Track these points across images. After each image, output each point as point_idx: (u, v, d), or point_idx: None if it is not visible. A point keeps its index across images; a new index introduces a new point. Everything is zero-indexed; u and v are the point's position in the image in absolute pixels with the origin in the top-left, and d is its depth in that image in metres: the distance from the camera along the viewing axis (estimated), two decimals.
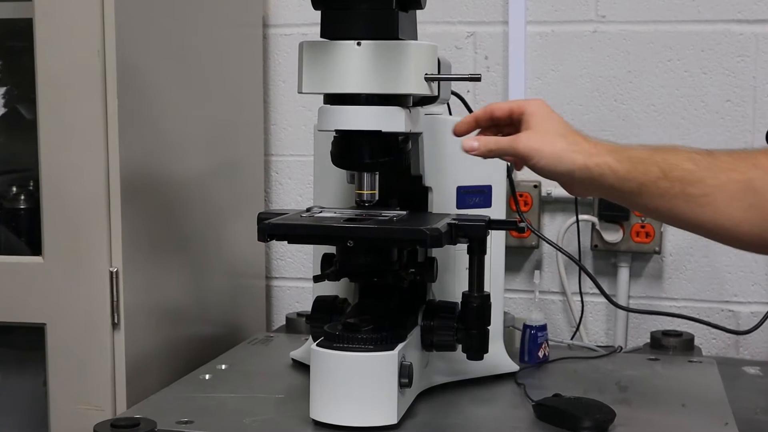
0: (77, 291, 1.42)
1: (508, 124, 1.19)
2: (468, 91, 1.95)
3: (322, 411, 1.23)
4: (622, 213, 1.87)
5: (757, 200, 1.00)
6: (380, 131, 1.24)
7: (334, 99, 1.25)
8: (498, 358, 1.48)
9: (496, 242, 1.46)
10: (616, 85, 1.91)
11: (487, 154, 1.15)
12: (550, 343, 1.59)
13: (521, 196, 1.91)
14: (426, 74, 1.25)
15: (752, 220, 1.01)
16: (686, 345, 1.72)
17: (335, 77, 1.22)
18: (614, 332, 1.95)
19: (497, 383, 1.44)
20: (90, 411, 1.41)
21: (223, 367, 1.50)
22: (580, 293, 1.93)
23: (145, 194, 1.50)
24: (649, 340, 1.77)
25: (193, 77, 1.66)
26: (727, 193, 1.01)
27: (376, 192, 1.30)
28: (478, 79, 1.25)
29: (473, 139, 1.16)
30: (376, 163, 1.27)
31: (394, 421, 1.22)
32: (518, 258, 1.99)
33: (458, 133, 1.21)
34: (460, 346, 1.32)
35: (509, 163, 1.42)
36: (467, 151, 1.16)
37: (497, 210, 1.46)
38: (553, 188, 1.93)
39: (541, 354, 1.56)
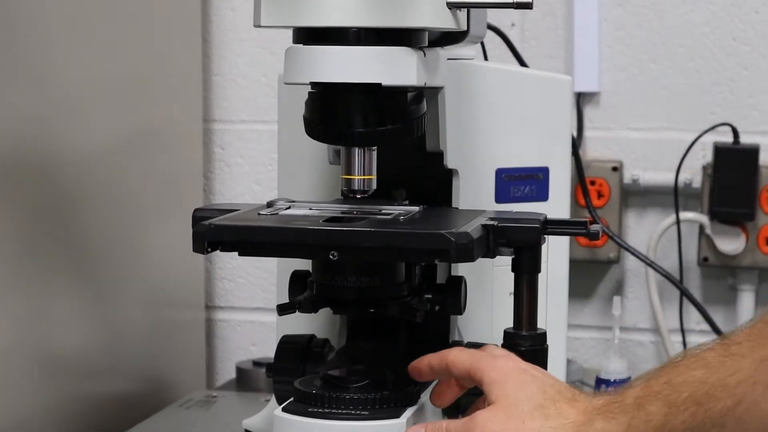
0: None
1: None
2: (513, 25, 1.95)
3: None
4: (746, 209, 1.88)
5: None
6: (380, 85, 1.24)
7: (309, 36, 1.25)
8: None
9: (556, 254, 1.46)
10: (735, 17, 1.91)
11: None
12: None
13: (593, 183, 1.92)
14: None
15: None
16: None
17: (310, 3, 1.22)
18: None
19: None
20: None
21: None
22: (682, 331, 1.94)
23: (23, 182, 1.50)
24: None
25: (96, 2, 1.67)
26: (761, 385, 1.05)
27: (374, 178, 1.30)
28: (529, 6, 1.25)
29: (419, 426, 1.21)
30: (374, 134, 1.27)
31: None
32: (589, 278, 1.99)
33: (413, 375, 1.28)
34: None
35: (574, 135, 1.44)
36: None
37: (558, 205, 1.47)
38: (642, 171, 1.94)
39: None
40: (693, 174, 1.92)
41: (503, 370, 1.19)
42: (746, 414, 1.03)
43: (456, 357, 1.23)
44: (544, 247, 1.29)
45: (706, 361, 1.08)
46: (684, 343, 1.93)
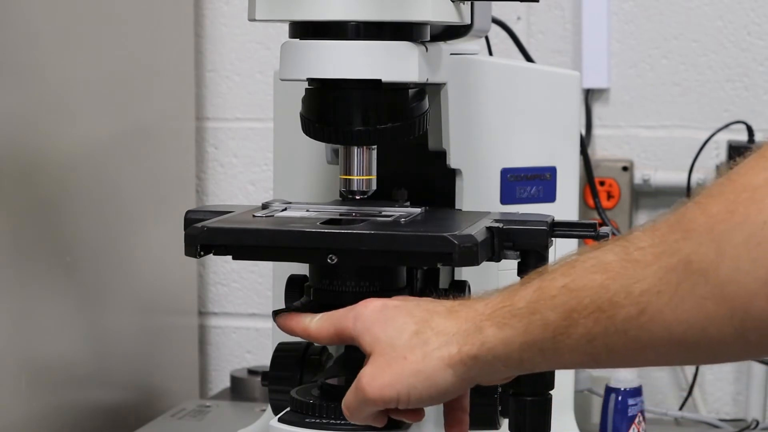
0: None
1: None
2: (519, 19, 1.95)
3: None
4: None
5: (708, 288, 1.02)
6: (380, 81, 1.24)
7: (306, 30, 1.26)
8: None
9: None
10: (750, 10, 1.91)
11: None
12: (647, 415, 1.60)
13: (603, 183, 1.92)
14: None
15: (716, 317, 0.99)
16: None
17: None
18: (747, 397, 1.95)
19: None
20: None
21: None
22: None
23: (8, 183, 1.50)
24: None
25: None
26: (667, 294, 1.01)
27: (374, 178, 1.31)
28: None
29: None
30: (374, 132, 1.27)
31: None
32: None
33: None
34: (506, 422, 1.31)
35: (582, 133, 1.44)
36: None
37: (565, 206, 1.47)
38: (653, 171, 1.94)
39: None
40: (706, 174, 1.91)
41: (364, 317, 1.16)
42: (650, 323, 1.01)
43: (318, 328, 1.21)
44: (551, 250, 1.28)
45: (606, 264, 1.04)
46: None
